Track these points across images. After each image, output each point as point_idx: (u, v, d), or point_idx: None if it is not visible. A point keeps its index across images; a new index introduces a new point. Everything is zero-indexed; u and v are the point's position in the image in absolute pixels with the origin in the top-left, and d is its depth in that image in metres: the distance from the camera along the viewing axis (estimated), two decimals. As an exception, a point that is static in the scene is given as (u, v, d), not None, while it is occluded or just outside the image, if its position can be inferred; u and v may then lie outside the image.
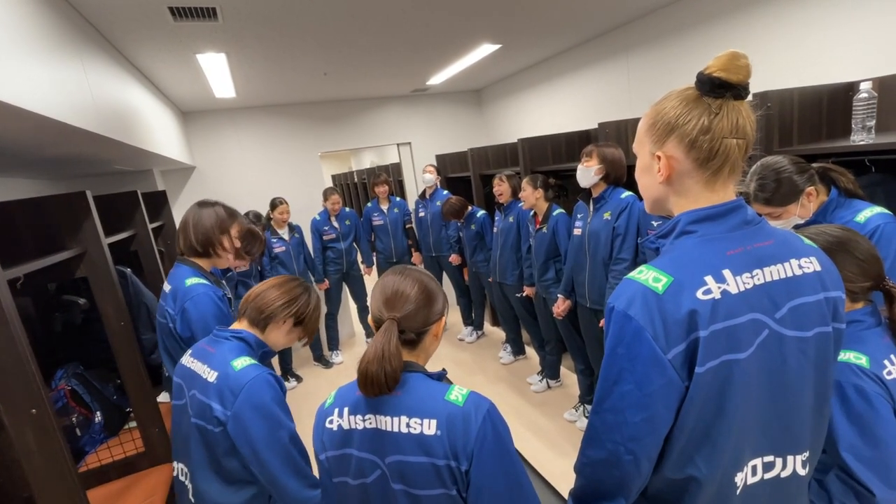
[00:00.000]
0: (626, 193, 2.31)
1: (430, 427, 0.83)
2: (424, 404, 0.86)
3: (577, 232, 2.54)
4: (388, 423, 0.87)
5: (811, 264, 0.74)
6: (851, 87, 1.81)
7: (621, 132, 2.60)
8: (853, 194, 1.42)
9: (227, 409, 1.07)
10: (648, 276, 0.71)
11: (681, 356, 0.68)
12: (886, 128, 1.79)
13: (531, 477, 2.48)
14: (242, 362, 1.12)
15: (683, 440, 0.71)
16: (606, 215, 2.35)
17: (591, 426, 0.77)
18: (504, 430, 0.86)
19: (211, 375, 1.12)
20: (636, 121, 2.91)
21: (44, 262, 1.36)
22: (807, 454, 0.77)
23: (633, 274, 0.73)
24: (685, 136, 0.71)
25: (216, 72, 2.89)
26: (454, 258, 4.10)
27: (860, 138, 1.64)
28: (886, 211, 1.34)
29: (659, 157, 0.75)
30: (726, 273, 0.69)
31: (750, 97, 0.72)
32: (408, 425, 0.84)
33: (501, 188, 3.29)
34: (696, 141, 0.71)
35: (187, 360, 1.23)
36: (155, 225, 2.86)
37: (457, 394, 0.87)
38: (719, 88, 0.69)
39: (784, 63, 2.29)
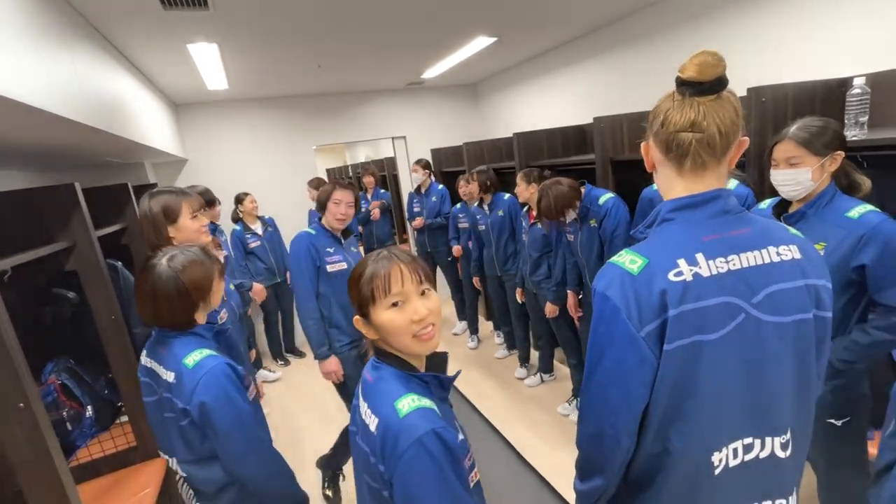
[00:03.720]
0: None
1: (373, 424, 0.81)
2: (378, 400, 0.83)
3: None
4: (361, 407, 0.87)
5: (790, 252, 0.77)
6: (845, 83, 1.82)
7: (616, 127, 2.59)
8: (846, 191, 1.41)
9: (187, 405, 1.12)
10: (626, 259, 0.77)
11: (654, 334, 0.72)
12: (879, 123, 1.80)
13: (525, 471, 2.49)
14: (194, 358, 1.14)
15: (659, 415, 0.76)
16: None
17: (582, 402, 0.84)
18: (434, 461, 0.74)
19: (169, 376, 1.16)
20: (631, 115, 2.88)
21: (32, 254, 1.34)
22: (787, 436, 0.79)
23: (615, 258, 0.79)
24: (653, 128, 0.80)
25: (208, 62, 2.85)
26: (456, 249, 3.91)
27: (853, 134, 1.65)
28: (877, 209, 1.34)
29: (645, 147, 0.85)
30: (699, 257, 0.73)
31: (727, 94, 0.74)
32: (365, 413, 0.85)
33: (469, 188, 3.29)
34: (657, 134, 0.79)
35: (145, 360, 1.26)
36: (146, 218, 2.83)
37: (404, 403, 0.79)
38: (682, 86, 0.75)
39: (779, 58, 2.29)
